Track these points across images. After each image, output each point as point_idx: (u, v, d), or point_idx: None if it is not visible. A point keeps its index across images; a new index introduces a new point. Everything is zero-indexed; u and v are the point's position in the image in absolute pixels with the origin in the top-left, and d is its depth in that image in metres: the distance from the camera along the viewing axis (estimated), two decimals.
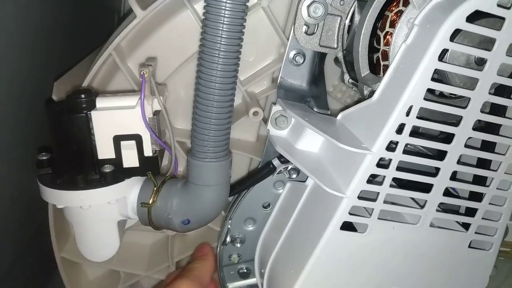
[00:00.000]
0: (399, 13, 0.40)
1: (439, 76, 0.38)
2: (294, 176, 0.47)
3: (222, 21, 0.37)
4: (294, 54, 0.48)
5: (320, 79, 0.51)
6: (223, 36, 0.38)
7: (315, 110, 0.49)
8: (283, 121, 0.47)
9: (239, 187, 0.47)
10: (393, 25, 0.41)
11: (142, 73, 0.38)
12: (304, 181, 0.44)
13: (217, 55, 0.38)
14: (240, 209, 0.49)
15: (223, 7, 0.37)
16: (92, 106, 0.40)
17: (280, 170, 0.46)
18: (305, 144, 0.44)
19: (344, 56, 0.48)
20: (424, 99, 0.36)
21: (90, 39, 0.64)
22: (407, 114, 0.36)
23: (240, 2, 0.38)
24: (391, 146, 0.37)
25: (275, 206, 0.48)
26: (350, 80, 0.49)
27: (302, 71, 0.49)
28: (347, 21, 0.46)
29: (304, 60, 0.48)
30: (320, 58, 0.49)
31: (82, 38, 0.66)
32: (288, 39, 0.47)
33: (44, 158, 0.41)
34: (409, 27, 0.39)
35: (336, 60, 0.51)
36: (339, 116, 0.43)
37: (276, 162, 0.46)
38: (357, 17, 0.46)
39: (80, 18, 0.67)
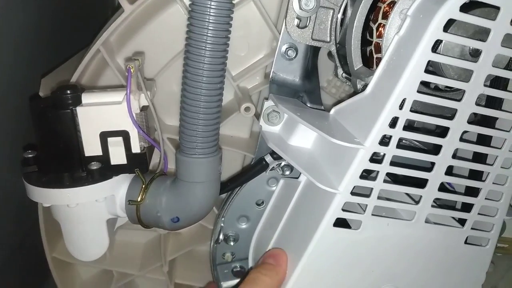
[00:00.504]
0: (392, 4, 0.39)
1: (433, 68, 0.37)
2: (287, 172, 0.46)
3: (208, 13, 0.37)
4: (286, 48, 0.47)
5: (314, 74, 0.50)
6: (209, 28, 0.37)
7: (308, 105, 0.48)
8: (275, 116, 0.46)
9: (231, 184, 0.46)
10: (385, 16, 0.40)
11: (128, 67, 0.37)
12: (297, 178, 0.43)
13: (203, 47, 0.37)
14: (233, 206, 0.48)
15: None
16: (78, 102, 0.39)
17: (273, 167, 0.45)
18: (298, 140, 0.43)
19: (337, 50, 0.47)
20: (418, 91, 0.35)
21: (82, 34, 0.63)
22: (401, 107, 0.35)
23: None
24: (385, 141, 0.36)
25: (268, 204, 0.48)
26: (344, 75, 0.48)
27: (294, 65, 0.48)
28: (340, 14, 0.45)
29: (297, 54, 0.47)
30: (313, 52, 0.48)
31: (74, 33, 0.65)
32: (280, 33, 0.46)
33: (29, 156, 0.40)
34: (402, 18, 0.38)
35: (330, 54, 0.50)
36: (332, 111, 0.42)
37: (268, 158, 0.45)
38: (349, 10, 0.45)
39: (71, 13, 0.66)
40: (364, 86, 0.42)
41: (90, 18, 0.70)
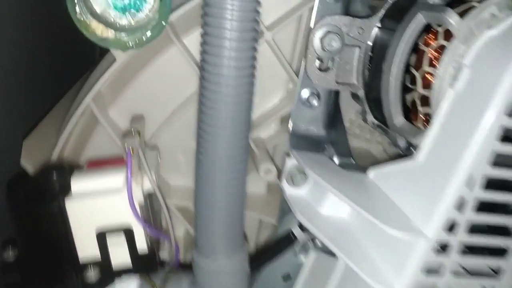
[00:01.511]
0: (440, 49, 0.33)
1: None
2: (320, 244, 0.39)
3: (227, 56, 0.29)
4: (308, 96, 0.40)
5: (338, 119, 0.44)
6: (230, 74, 0.29)
7: (336, 159, 0.41)
8: (300, 177, 0.39)
9: (252, 264, 0.39)
10: (432, 64, 0.33)
11: (127, 150, 0.30)
12: (334, 255, 0.37)
13: (224, 109, 0.29)
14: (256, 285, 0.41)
15: (227, 37, 0.29)
16: (67, 189, 0.31)
17: (303, 241, 0.39)
18: (331, 207, 0.37)
19: (367, 94, 0.40)
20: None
21: (68, 71, 0.56)
22: (469, 185, 0.28)
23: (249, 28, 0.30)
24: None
25: (297, 281, 0.41)
26: (376, 122, 0.41)
27: (316, 112, 0.41)
28: (368, 52, 0.39)
29: (319, 100, 0.40)
30: (336, 93, 0.42)
31: (58, 72, 0.58)
32: (297, 74, 0.40)
33: (10, 260, 0.32)
34: (455, 67, 0.31)
35: (355, 96, 0.43)
36: (371, 175, 0.35)
37: (297, 231, 0.38)
38: (378, 46, 0.38)
39: (54, 48, 0.58)
40: (410, 146, 0.36)
41: (75, 55, 0.63)
